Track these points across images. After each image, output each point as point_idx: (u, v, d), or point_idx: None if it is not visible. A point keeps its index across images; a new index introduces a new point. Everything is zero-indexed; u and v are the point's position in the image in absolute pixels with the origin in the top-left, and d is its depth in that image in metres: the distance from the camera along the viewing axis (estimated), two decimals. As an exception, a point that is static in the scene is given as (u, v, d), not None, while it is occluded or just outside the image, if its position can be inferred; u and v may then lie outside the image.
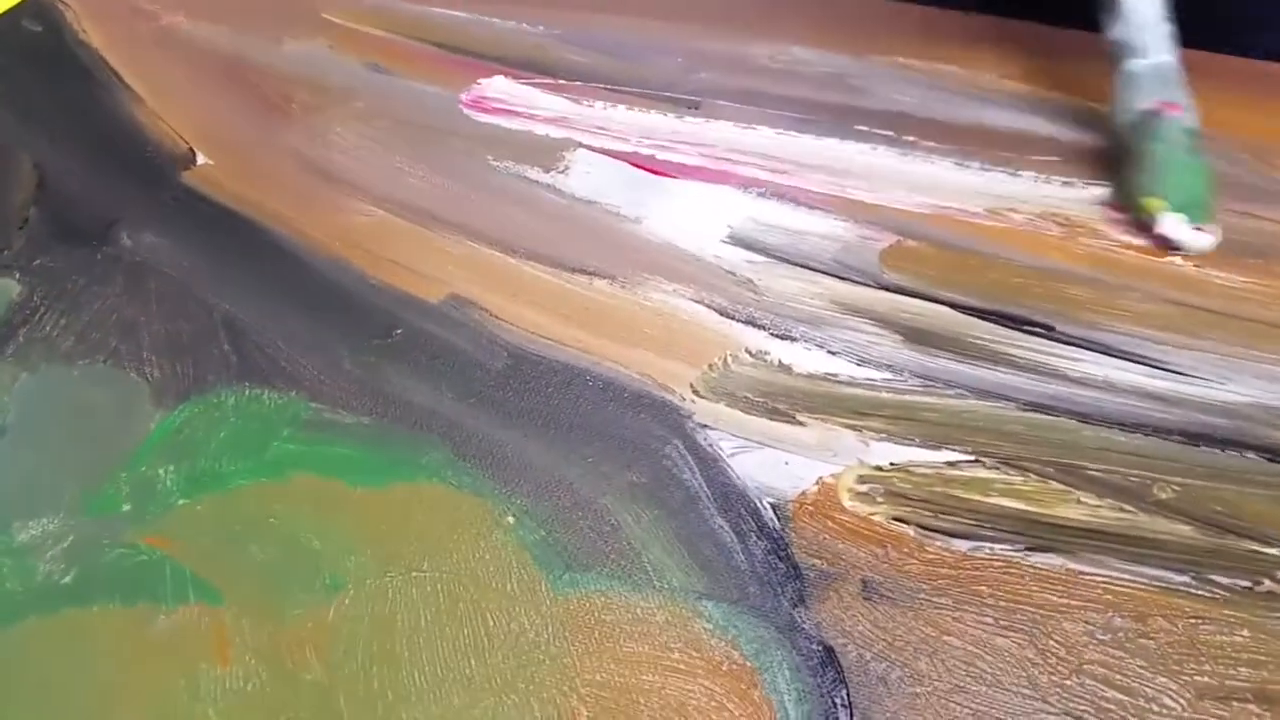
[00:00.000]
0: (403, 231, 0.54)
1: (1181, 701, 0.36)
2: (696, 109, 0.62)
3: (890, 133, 0.60)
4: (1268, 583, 0.39)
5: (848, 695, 0.36)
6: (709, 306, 0.50)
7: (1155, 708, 0.36)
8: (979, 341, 0.48)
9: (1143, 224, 0.52)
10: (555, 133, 0.60)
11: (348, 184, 0.58)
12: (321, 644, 0.38)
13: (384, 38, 0.69)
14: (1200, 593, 0.39)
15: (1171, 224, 0.51)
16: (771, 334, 0.49)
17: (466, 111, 0.62)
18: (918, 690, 0.36)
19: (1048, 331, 0.49)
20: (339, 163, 0.59)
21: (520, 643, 0.37)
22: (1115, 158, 0.55)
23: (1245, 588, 0.39)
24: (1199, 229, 0.51)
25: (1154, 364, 0.47)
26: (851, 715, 0.35)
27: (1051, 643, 0.37)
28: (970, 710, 0.36)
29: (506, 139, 0.60)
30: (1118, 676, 0.37)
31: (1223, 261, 0.52)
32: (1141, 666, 0.37)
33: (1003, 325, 0.49)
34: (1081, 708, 0.36)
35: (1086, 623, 0.38)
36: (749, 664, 0.37)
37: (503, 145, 0.59)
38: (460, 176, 0.58)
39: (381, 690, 0.37)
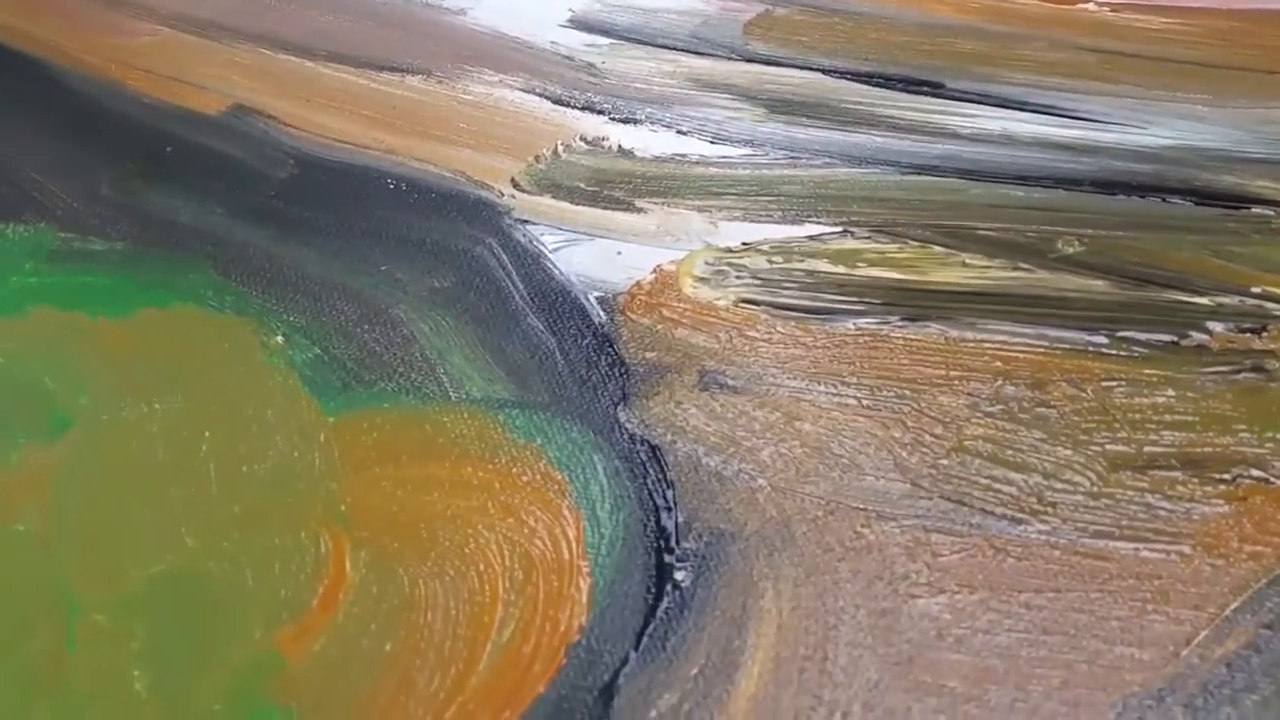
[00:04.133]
0: (188, 47, 0.46)
1: (1090, 475, 0.29)
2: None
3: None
4: (1196, 335, 0.32)
5: (673, 496, 0.29)
6: (541, 95, 0.43)
7: (1057, 484, 0.29)
8: (855, 106, 0.41)
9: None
10: (375, -68, 0.52)
11: (135, 6, 0.49)
12: (39, 490, 0.31)
13: None
14: (1114, 352, 0.32)
15: None
16: (612, 118, 0.41)
17: (276, -80, 0.54)
18: (758, 484, 0.29)
19: (935, 89, 0.41)
20: (127, -14, 0.51)
21: (278, 472, 0.30)
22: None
23: (1169, 343, 0.32)
24: None
25: (1062, 113, 0.40)
26: (675, 515, 0.28)
27: (925, 419, 0.30)
28: (822, 500, 0.29)
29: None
30: (1008, 452, 0.30)
31: (1143, 6, 0.44)
32: (1039, 439, 0.30)
33: (883, 87, 0.41)
34: (962, 489, 0.29)
35: (969, 394, 0.31)
36: (557, 474, 0.30)
37: (312, -53, 0.51)
38: (260, -16, 0.49)
39: (103, 538, 0.30)
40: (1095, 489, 0.29)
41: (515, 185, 0.39)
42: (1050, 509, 0.28)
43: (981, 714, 0.25)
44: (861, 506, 0.29)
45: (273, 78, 0.44)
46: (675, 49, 0.44)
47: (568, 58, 0.44)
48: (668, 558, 0.28)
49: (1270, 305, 0.33)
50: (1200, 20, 0.44)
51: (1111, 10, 0.44)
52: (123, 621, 0.28)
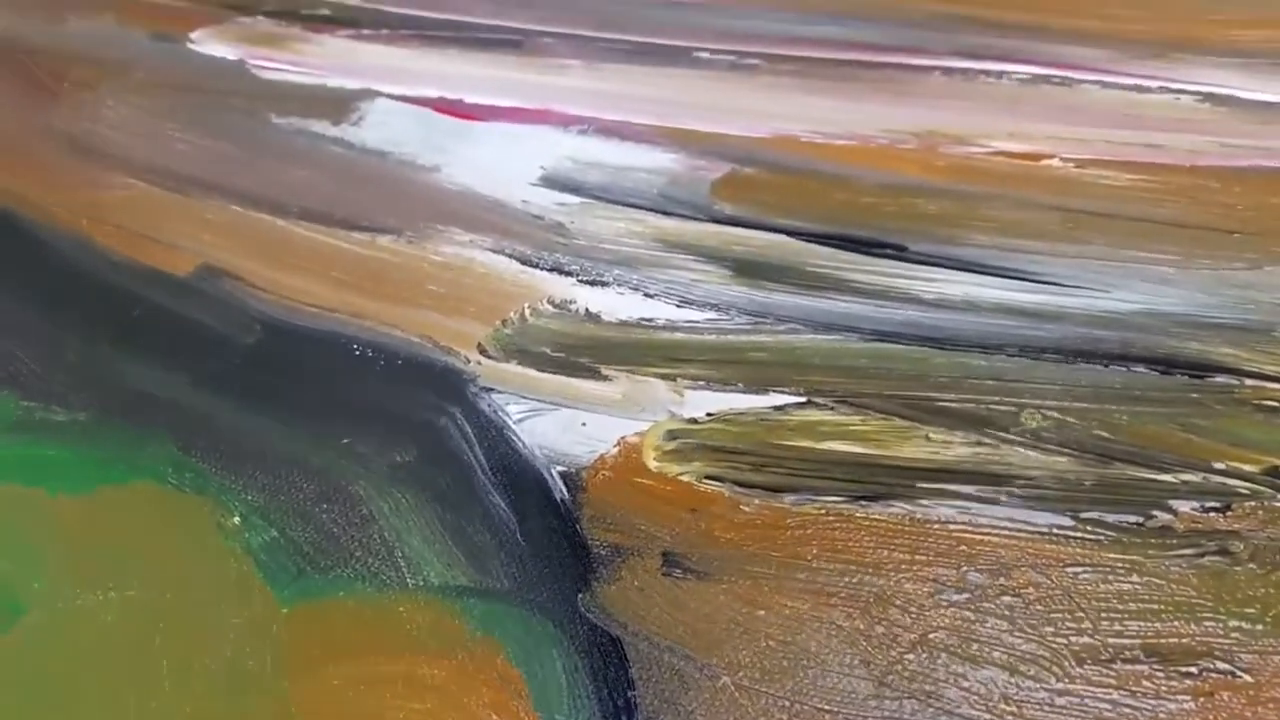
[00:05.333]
0: (160, 202, 0.47)
1: (1056, 670, 0.29)
2: (518, 48, 0.55)
3: (732, 57, 0.53)
4: (1161, 515, 0.33)
5: (633, 698, 0.29)
6: (509, 255, 0.43)
7: (1022, 681, 0.29)
8: (819, 270, 0.41)
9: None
10: (351, 84, 0.53)
11: (109, 158, 0.50)
12: (-12, 687, 0.30)
13: (175, 5, 0.62)
14: (1079, 535, 0.32)
15: None
16: (580, 280, 0.42)
17: (254, 71, 0.55)
18: (721, 682, 0.29)
19: (899, 252, 0.42)
20: (104, 137, 0.52)
21: (230, 670, 0.30)
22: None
23: (1134, 524, 0.32)
24: None
25: (1025, 276, 0.40)
26: (636, 718, 0.28)
27: (890, 609, 0.30)
28: (786, 702, 0.28)
29: (294, 94, 0.53)
30: (973, 645, 0.30)
31: (1107, 161, 0.45)
32: (1004, 630, 0.30)
33: (847, 250, 0.42)
34: (926, 687, 0.29)
35: (934, 581, 0.31)
36: (515, 671, 0.30)
37: (289, 101, 0.52)
38: (235, 138, 0.50)
39: (50, 741, 0.29)
40: (1060, 685, 0.29)
41: (482, 351, 0.39)
42: (1016, 709, 0.28)
43: None
44: (826, 708, 0.28)
45: (244, 236, 0.45)
46: (644, 208, 0.45)
47: (538, 217, 0.45)
48: (626, 767, 0.28)
49: (1234, 482, 0.33)
50: (1165, 177, 0.45)
51: (1076, 166, 0.45)
52: (64, 833, 0.28)
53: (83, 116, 0.54)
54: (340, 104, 0.52)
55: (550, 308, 0.41)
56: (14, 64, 0.58)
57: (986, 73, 0.51)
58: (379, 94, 0.52)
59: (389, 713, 0.29)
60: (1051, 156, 0.46)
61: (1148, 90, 0.49)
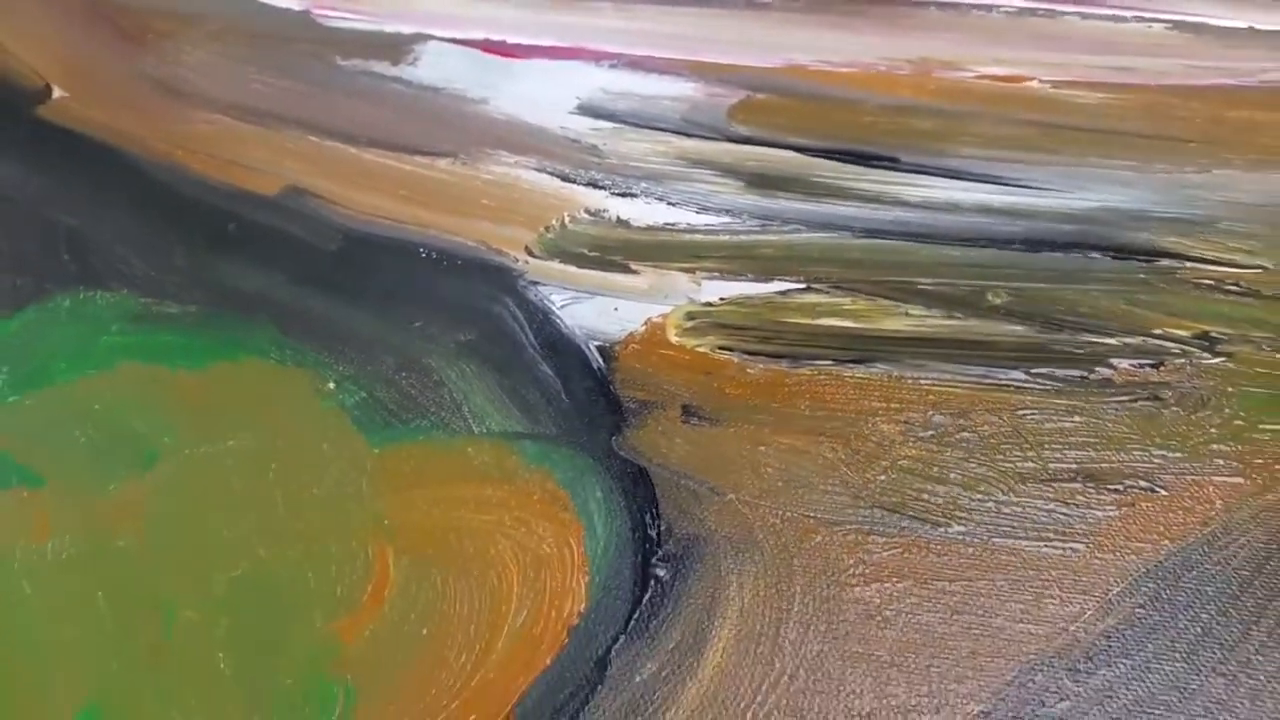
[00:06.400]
0: (245, 134, 0.55)
1: (1002, 487, 0.37)
2: (554, -6, 0.63)
3: (748, -6, 0.60)
4: (1102, 370, 0.40)
5: (657, 510, 0.37)
6: (551, 174, 0.51)
7: (974, 495, 0.36)
8: (821, 180, 0.49)
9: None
10: (406, 29, 0.61)
11: (195, 97, 0.58)
12: (135, 513, 0.39)
13: (243, -38, 0.70)
14: (1029, 385, 0.40)
15: None
16: (612, 193, 0.49)
17: (318, 19, 0.63)
18: (727, 498, 0.37)
19: (892, 164, 0.49)
20: (188, 79, 0.60)
21: (333, 496, 0.38)
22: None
23: (1079, 377, 0.40)
24: None
25: (1002, 181, 0.48)
26: (658, 524, 0.36)
27: (867, 444, 0.38)
28: (779, 510, 0.36)
29: (355, 39, 0.61)
30: (933, 468, 0.37)
31: (1081, 83, 0.52)
32: (960, 458, 0.37)
33: (847, 163, 0.49)
34: (893, 499, 0.36)
35: (905, 423, 0.38)
36: (562, 491, 0.38)
37: (351, 45, 0.60)
38: (306, 78, 0.58)
39: (191, 550, 0.38)
40: (1006, 499, 0.36)
41: (528, 252, 0.47)
42: (967, 514, 0.36)
43: (902, 677, 0.32)
44: (812, 515, 0.36)
45: (321, 162, 0.53)
46: (668, 130, 0.52)
47: (575, 141, 0.52)
48: (652, 559, 0.36)
49: (1169, 344, 0.40)
50: (1132, 95, 0.51)
51: (1053, 87, 0.52)
52: (210, 616, 0.36)
53: (167, 62, 0.62)
54: (397, 47, 0.60)
55: (587, 216, 0.48)
56: (102, 19, 0.67)
57: (977, 6, 0.58)
58: (431, 37, 0.60)
59: (462, 523, 0.37)
60: (1031, 79, 0.53)
61: (1123, 20, 0.56)
